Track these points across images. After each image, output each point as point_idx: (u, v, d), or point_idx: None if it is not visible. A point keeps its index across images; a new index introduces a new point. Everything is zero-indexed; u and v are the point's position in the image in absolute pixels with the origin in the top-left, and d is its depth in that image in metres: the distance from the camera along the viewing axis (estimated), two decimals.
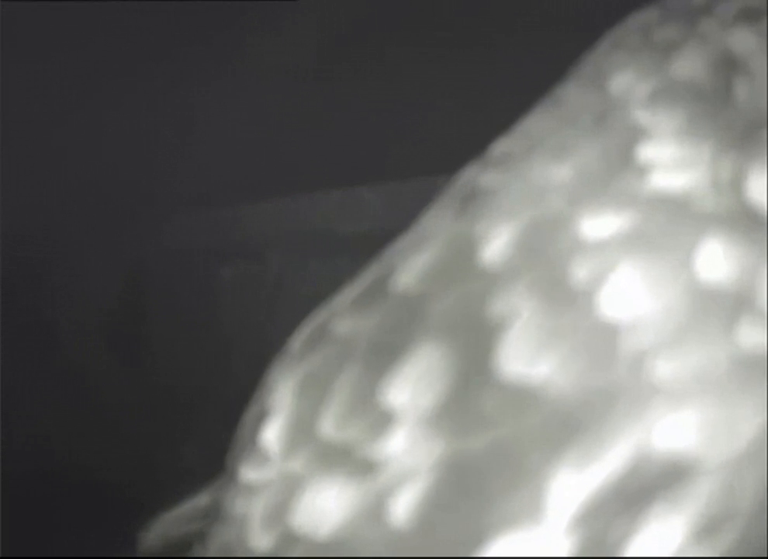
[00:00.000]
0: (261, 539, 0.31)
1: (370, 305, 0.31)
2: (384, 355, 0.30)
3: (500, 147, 0.33)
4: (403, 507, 0.28)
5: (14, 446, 0.85)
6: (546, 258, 0.29)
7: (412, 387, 0.29)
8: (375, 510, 0.29)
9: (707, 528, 0.27)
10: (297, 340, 0.33)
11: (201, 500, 0.39)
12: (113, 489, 0.85)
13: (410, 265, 0.30)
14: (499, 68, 0.74)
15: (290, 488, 0.30)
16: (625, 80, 0.31)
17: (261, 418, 0.32)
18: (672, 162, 0.29)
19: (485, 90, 0.74)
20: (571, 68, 0.33)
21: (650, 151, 0.30)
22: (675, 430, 0.27)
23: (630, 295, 0.28)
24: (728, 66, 0.30)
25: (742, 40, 0.30)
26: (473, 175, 0.32)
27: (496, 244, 0.30)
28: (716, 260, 0.28)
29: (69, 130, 0.86)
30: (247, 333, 0.85)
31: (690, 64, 0.30)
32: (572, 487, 0.27)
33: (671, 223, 0.29)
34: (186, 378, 0.87)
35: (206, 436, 0.83)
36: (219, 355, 0.86)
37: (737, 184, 0.29)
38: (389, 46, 0.79)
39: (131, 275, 0.90)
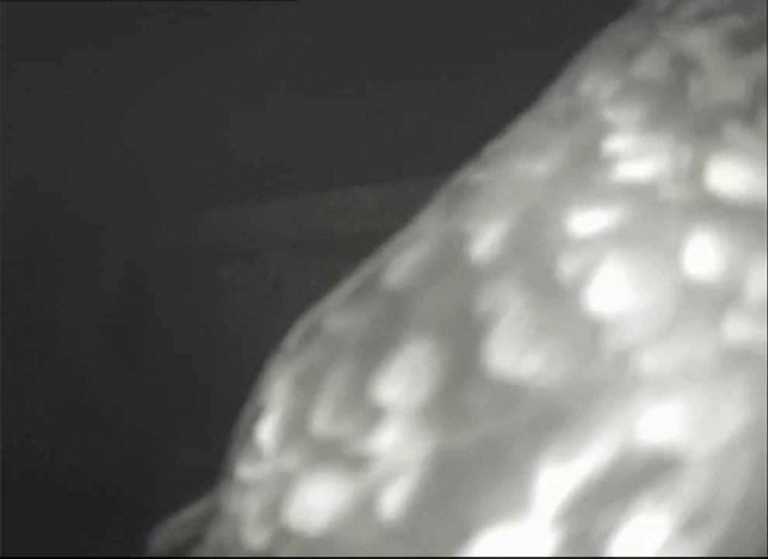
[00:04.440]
0: (255, 537, 0.31)
1: (362, 302, 0.31)
2: (375, 351, 0.30)
3: (490, 148, 0.33)
4: (392, 502, 0.29)
5: (14, 446, 0.85)
6: (533, 255, 0.29)
7: (402, 383, 0.29)
8: (366, 505, 0.29)
9: (694, 521, 0.27)
10: (292, 338, 0.33)
11: (204, 505, 0.39)
12: (113, 489, 0.85)
13: (401, 262, 0.31)
14: (498, 69, 0.74)
15: (284, 485, 0.31)
16: (593, 81, 0.32)
17: (257, 415, 0.33)
18: (635, 153, 0.30)
19: (484, 90, 0.75)
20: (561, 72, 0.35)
21: (615, 144, 0.30)
22: (660, 423, 0.28)
23: (616, 290, 0.29)
24: (684, 65, 0.31)
25: (697, 41, 0.31)
26: (464, 175, 0.33)
27: (485, 241, 0.30)
28: (703, 254, 0.28)
29: (70, 131, 0.86)
30: (246, 333, 0.85)
31: (649, 65, 0.31)
32: (557, 480, 0.28)
33: (655, 216, 0.29)
34: (186, 378, 0.87)
35: (206, 436, 0.83)
36: (219, 355, 0.86)
37: (696, 172, 0.29)
38: (388, 47, 0.79)
39: (131, 275, 0.90)
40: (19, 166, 0.86)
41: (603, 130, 0.31)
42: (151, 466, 0.86)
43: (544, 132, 0.32)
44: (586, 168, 0.30)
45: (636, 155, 0.30)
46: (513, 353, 0.29)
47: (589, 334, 0.28)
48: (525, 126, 0.33)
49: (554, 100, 0.33)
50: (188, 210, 0.87)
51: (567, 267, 0.29)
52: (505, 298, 0.29)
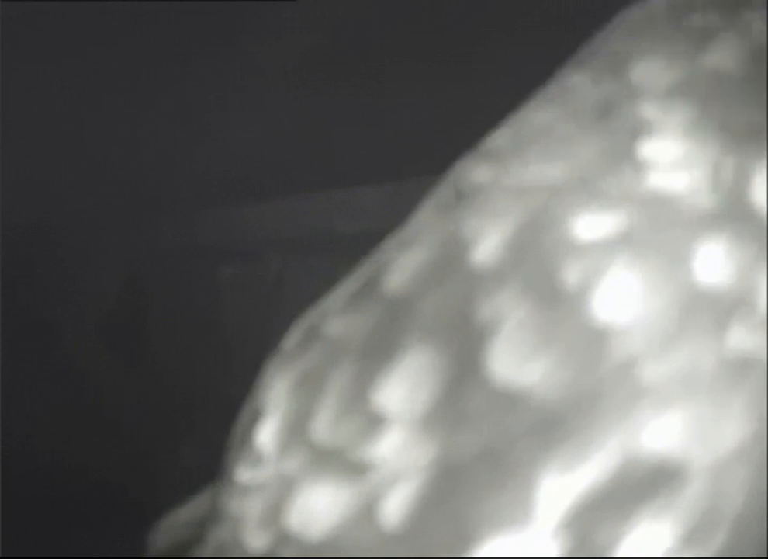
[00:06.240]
0: (256, 540, 0.31)
1: (361, 306, 0.31)
2: (376, 356, 0.30)
3: (496, 139, 0.32)
4: (394, 508, 0.28)
5: (14, 446, 0.85)
6: (537, 260, 0.29)
7: (403, 389, 0.29)
8: (367, 511, 0.29)
9: (696, 530, 0.27)
10: (290, 341, 0.33)
11: (204, 503, 0.39)
12: (113, 489, 0.85)
13: (401, 265, 0.30)
14: (498, 69, 0.74)
15: (285, 489, 0.30)
16: (649, 68, 0.30)
17: (256, 418, 0.32)
18: (673, 160, 0.29)
19: (484, 90, 0.75)
20: (574, 56, 0.33)
21: (651, 148, 0.29)
22: (662, 432, 0.27)
23: (621, 298, 0.28)
24: (764, 60, 0.29)
25: None
26: (466, 170, 0.32)
27: (487, 245, 0.29)
28: (710, 263, 0.28)
29: (70, 131, 0.86)
30: (246, 333, 0.85)
31: (725, 55, 0.29)
32: (560, 489, 0.27)
33: (665, 225, 0.28)
34: (186, 378, 0.87)
35: (206, 436, 0.83)
36: (219, 355, 0.86)
37: (739, 185, 0.29)
38: (388, 47, 0.79)
39: (131, 275, 0.90)
40: (19, 166, 0.86)
41: (641, 130, 0.29)
42: (152, 466, 0.86)
43: (566, 126, 0.31)
44: (614, 175, 0.29)
45: (673, 164, 0.29)
46: (516, 361, 0.28)
47: (592, 342, 0.28)
48: (541, 116, 0.31)
49: (582, 87, 0.31)
50: (188, 210, 0.87)
51: (572, 273, 0.28)
52: (508, 304, 0.28)
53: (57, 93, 0.85)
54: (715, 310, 0.28)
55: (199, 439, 0.84)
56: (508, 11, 0.74)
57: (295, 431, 0.31)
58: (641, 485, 0.27)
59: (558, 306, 0.28)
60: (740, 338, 0.27)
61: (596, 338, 0.28)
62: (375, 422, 0.29)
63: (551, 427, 0.28)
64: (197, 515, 0.39)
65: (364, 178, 0.80)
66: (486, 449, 0.28)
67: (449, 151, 0.45)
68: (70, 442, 0.88)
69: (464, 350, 0.29)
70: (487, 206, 0.30)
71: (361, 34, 0.79)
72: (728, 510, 0.27)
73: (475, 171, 0.32)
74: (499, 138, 0.32)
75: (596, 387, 0.27)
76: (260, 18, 0.81)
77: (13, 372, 0.86)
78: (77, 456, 0.88)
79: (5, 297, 0.87)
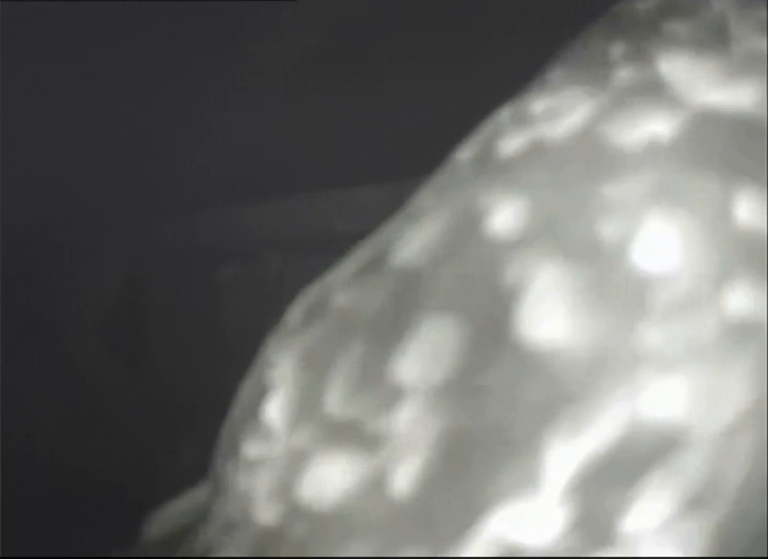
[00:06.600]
0: (265, 513, 0.31)
1: (371, 279, 0.30)
2: (390, 328, 0.29)
3: (519, 108, 0.32)
4: (404, 479, 0.28)
5: (14, 446, 0.85)
6: (564, 221, 0.28)
7: (422, 361, 0.29)
8: (378, 483, 0.29)
9: (699, 498, 0.27)
10: (294, 314, 0.33)
11: (201, 493, 0.39)
12: (113, 489, 0.85)
13: (411, 238, 0.30)
14: (498, 69, 0.74)
15: (296, 463, 0.30)
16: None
17: (262, 393, 0.32)
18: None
19: (484, 90, 0.74)
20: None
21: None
22: (665, 398, 0.27)
23: (658, 252, 0.27)
24: None
25: None
26: (484, 141, 0.31)
27: (506, 212, 0.29)
28: (752, 213, 0.28)
29: (70, 131, 0.86)
30: (246, 333, 0.85)
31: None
32: (565, 456, 0.27)
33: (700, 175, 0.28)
34: (186, 378, 0.87)
35: (206, 436, 0.83)
36: (219, 355, 0.86)
37: None
38: (388, 47, 0.79)
39: (131, 275, 0.90)
40: (18, 166, 0.86)
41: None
42: (152, 466, 0.86)
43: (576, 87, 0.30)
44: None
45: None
46: (547, 322, 0.27)
47: (631, 298, 0.27)
48: (567, 95, 0.31)
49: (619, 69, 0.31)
50: (188, 210, 0.87)
51: (607, 229, 0.28)
52: (534, 266, 0.28)
53: (57, 93, 0.85)
54: (722, 269, 0.27)
55: (199, 439, 0.84)
56: (508, 11, 0.74)
57: (306, 405, 0.30)
58: (645, 452, 0.27)
59: (592, 262, 0.28)
60: (742, 301, 0.27)
61: (637, 293, 0.27)
62: (393, 395, 0.29)
63: (561, 391, 0.27)
64: (192, 506, 0.39)
65: (364, 178, 0.80)
66: (498, 417, 0.28)
67: (449, 151, 0.45)
68: (70, 442, 0.88)
69: (488, 316, 0.28)
70: (509, 175, 0.30)
71: (361, 34, 0.79)
72: (731, 477, 0.27)
73: (496, 141, 0.31)
74: (524, 107, 0.32)
75: (601, 349, 0.27)
76: (260, 18, 0.81)
77: (13, 372, 0.86)
78: (77, 456, 0.87)
79: (5, 297, 0.87)
